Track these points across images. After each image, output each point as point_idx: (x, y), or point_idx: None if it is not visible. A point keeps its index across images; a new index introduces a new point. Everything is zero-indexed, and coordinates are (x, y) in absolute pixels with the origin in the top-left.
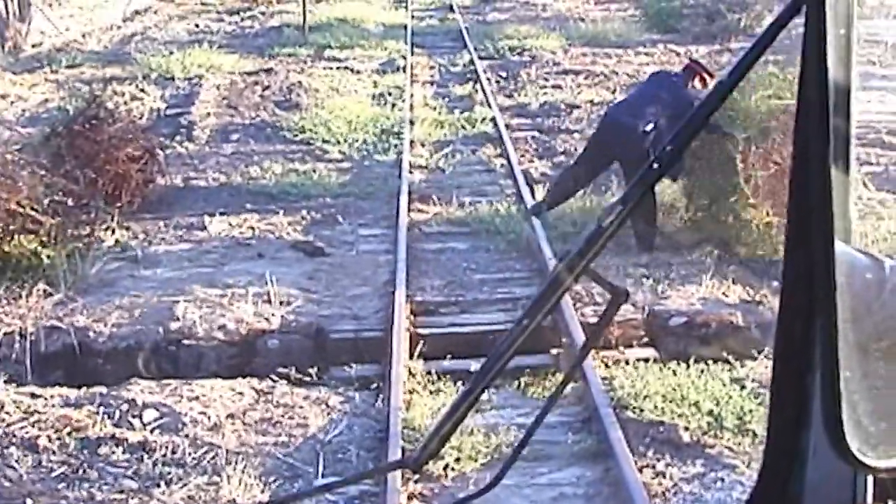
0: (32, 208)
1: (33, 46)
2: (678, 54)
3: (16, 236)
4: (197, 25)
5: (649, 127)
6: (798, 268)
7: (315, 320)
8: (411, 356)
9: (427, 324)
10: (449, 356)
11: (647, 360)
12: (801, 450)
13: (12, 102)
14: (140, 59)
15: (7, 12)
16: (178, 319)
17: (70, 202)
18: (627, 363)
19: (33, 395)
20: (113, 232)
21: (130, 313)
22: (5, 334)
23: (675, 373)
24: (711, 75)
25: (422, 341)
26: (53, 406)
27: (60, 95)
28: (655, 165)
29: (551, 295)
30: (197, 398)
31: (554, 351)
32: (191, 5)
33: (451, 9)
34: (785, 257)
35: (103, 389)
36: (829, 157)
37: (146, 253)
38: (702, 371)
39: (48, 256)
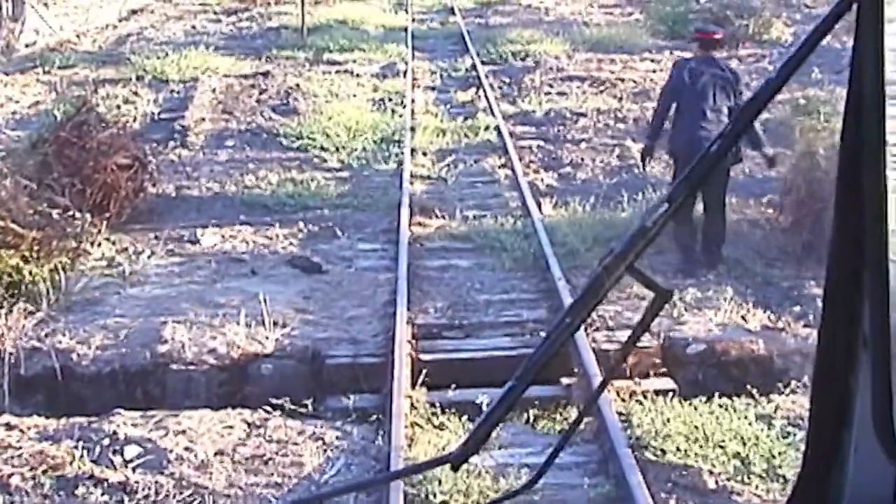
0: (14, 220)
1: (27, 46)
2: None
3: None
4: (194, 26)
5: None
6: (843, 269)
7: (311, 344)
8: (413, 385)
9: (429, 348)
10: (453, 385)
11: (665, 394)
12: (843, 448)
13: (2, 104)
14: (135, 60)
15: (0, 11)
16: (165, 342)
17: (55, 214)
18: (645, 396)
19: (8, 427)
20: (100, 245)
21: (116, 334)
22: None
23: (696, 409)
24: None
25: (424, 369)
26: (30, 440)
27: (52, 97)
28: (701, 165)
29: (594, 294)
30: (183, 432)
31: (565, 381)
32: (188, 5)
33: (452, 11)
34: (830, 258)
35: (83, 421)
36: (884, 154)
37: (134, 268)
38: (725, 407)
39: (30, 272)
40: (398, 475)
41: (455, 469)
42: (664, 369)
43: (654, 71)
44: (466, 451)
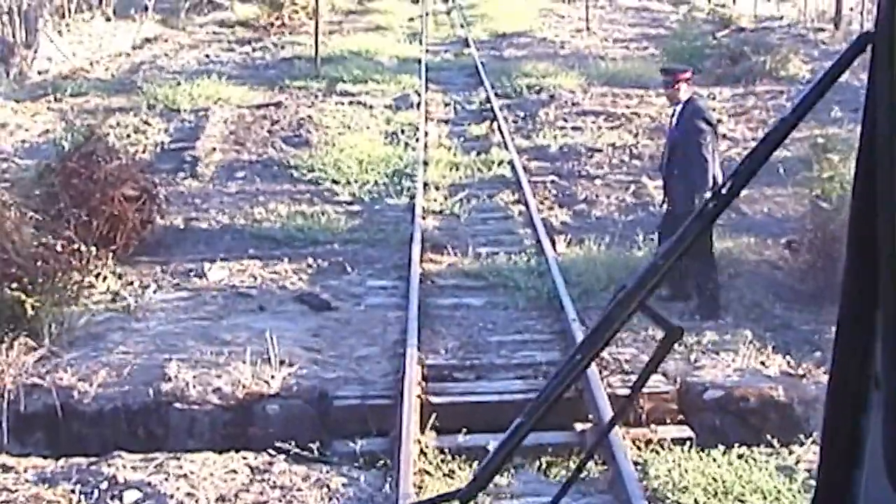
0: (18, 252)
1: (39, 74)
2: (700, 96)
3: None
4: (207, 55)
5: None
6: (855, 308)
7: (318, 384)
8: (422, 429)
9: (440, 390)
10: (464, 430)
11: (682, 442)
12: (854, 488)
13: (12, 132)
14: (146, 89)
15: (14, 38)
16: (169, 380)
17: (60, 246)
18: (661, 445)
19: (4, 468)
20: (105, 279)
21: (119, 372)
22: None
23: (714, 459)
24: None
25: (434, 412)
26: (26, 482)
27: (62, 126)
28: (713, 203)
29: (605, 331)
30: (185, 476)
31: (579, 427)
32: (201, 34)
33: (466, 43)
34: (842, 298)
35: (82, 463)
36: None
37: (139, 303)
38: (744, 458)
39: (32, 306)
40: None
41: None
42: (681, 416)
43: (669, 106)
44: (474, 487)
